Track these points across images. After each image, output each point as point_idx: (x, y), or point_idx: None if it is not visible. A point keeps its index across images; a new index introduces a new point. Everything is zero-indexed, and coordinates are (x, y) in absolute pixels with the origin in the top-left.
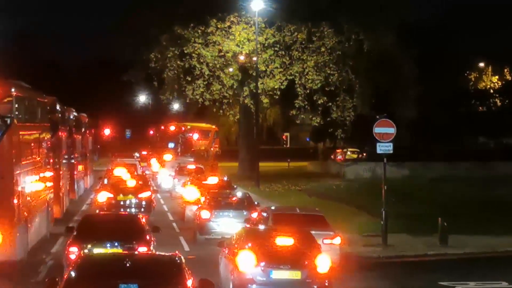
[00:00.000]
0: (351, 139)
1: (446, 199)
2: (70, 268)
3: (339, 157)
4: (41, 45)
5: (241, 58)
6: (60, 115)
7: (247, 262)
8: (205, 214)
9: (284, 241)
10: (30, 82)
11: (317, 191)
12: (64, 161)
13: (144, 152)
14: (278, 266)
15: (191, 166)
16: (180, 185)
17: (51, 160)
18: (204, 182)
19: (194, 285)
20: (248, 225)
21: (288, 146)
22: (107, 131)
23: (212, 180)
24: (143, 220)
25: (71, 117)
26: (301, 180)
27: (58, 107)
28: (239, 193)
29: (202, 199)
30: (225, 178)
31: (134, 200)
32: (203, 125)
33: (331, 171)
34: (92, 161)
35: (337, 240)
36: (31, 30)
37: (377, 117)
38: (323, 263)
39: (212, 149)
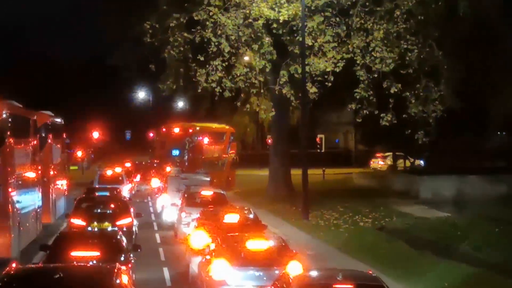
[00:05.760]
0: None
1: None
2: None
3: (381, 163)
4: (27, 41)
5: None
6: None
7: None
8: (217, 272)
9: None
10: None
11: (415, 231)
12: None
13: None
14: None
15: (207, 192)
16: (188, 221)
17: None
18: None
19: None
20: None
21: (323, 150)
22: (95, 134)
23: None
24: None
25: (4, 115)
26: (360, 201)
27: None
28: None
29: (212, 246)
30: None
31: (110, 229)
32: (216, 125)
33: (393, 186)
34: (62, 177)
35: None
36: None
37: None
38: None
39: (226, 155)
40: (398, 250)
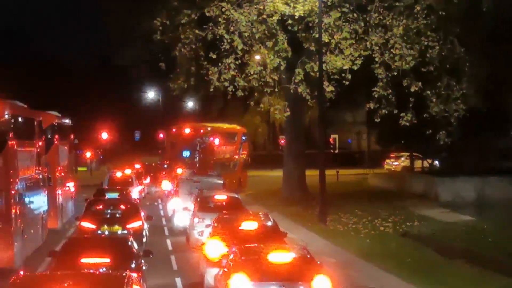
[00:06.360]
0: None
1: None
2: None
3: (395, 163)
4: (38, 43)
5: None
6: None
7: None
8: None
9: None
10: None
11: (442, 237)
12: None
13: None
14: None
15: (221, 197)
16: (202, 227)
17: None
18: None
19: None
20: None
21: (337, 151)
22: (104, 135)
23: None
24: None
25: (6, 116)
26: (377, 204)
27: None
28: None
29: (230, 256)
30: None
31: (120, 232)
32: (227, 126)
33: (411, 187)
34: (70, 179)
35: None
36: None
37: None
38: None
39: (238, 156)
40: (426, 258)
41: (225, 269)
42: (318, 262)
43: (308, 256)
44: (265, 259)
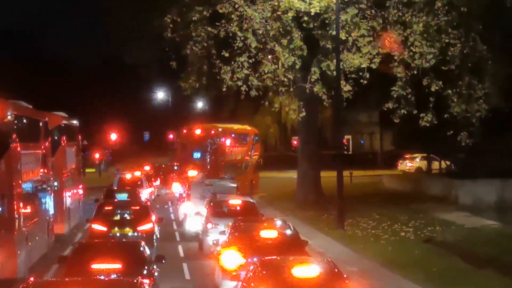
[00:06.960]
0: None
1: None
2: None
3: (409, 164)
4: (43, 45)
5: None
6: None
7: None
8: None
9: None
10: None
11: (467, 243)
12: None
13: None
14: None
15: (236, 201)
16: (216, 233)
17: None
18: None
19: None
20: None
21: (351, 152)
22: (113, 136)
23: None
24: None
25: (8, 117)
26: (395, 207)
27: None
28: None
29: (250, 267)
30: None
31: (131, 234)
32: (239, 126)
33: (428, 190)
34: (77, 182)
35: None
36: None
37: None
38: None
39: (250, 158)
40: (453, 267)
41: (244, 284)
42: (345, 276)
43: (336, 270)
44: (289, 274)
